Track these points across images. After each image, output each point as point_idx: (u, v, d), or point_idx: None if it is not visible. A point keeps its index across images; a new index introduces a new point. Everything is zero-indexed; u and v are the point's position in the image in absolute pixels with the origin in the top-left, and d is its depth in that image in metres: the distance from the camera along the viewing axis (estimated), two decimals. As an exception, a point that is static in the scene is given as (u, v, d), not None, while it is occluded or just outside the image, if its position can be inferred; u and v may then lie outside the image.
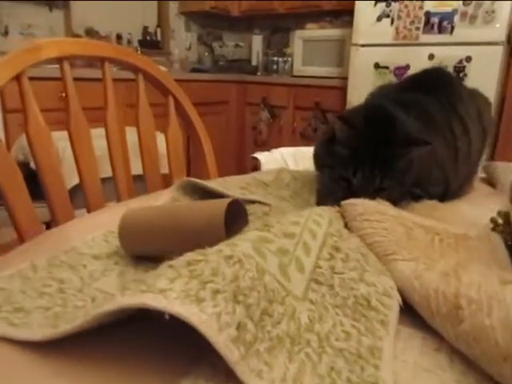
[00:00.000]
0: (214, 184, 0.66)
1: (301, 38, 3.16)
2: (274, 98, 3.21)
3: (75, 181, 1.48)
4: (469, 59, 2.27)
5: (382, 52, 2.55)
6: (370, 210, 0.48)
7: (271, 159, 1.30)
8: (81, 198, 0.89)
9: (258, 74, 3.63)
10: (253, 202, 0.64)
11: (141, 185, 1.02)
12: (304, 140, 3.00)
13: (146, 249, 0.50)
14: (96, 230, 0.56)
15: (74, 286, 0.43)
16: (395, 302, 0.38)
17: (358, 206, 0.49)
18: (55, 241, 0.54)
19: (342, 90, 2.78)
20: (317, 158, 0.70)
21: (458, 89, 0.76)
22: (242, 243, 0.36)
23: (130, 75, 0.94)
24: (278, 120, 3.22)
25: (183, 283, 0.29)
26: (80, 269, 0.46)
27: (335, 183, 0.62)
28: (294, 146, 1.38)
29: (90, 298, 0.41)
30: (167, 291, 0.28)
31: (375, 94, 0.78)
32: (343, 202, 0.52)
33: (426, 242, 0.44)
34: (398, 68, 2.52)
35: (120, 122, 0.89)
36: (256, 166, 1.27)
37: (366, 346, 0.33)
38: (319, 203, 0.67)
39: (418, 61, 2.41)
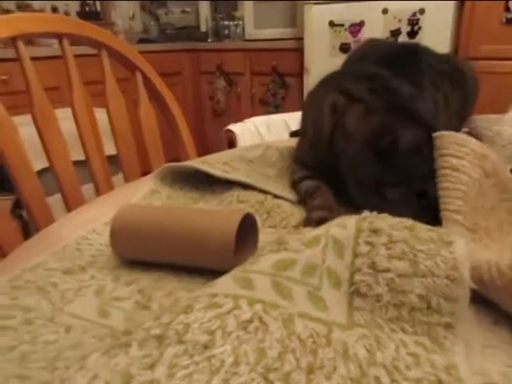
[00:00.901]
0: (195, 164, 0.62)
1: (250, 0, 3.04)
2: (228, 65, 3.11)
3: (37, 167, 1.39)
4: (422, 11, 2.26)
5: (336, 9, 2.50)
6: (448, 140, 0.43)
7: (246, 130, 1.25)
8: (48, 184, 0.83)
9: (209, 40, 3.49)
10: (244, 186, 0.59)
11: (115, 166, 0.95)
12: (263, 106, 2.94)
13: (140, 253, 0.44)
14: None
15: (44, 314, 0.35)
16: (463, 286, 0.31)
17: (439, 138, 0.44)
18: (48, 244, 0.48)
19: (299, 51, 2.71)
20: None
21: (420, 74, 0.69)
22: (259, 280, 0.30)
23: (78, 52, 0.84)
24: (235, 87, 3.13)
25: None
26: (49, 289, 0.39)
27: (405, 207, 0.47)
28: (253, 112, 1.34)
29: (64, 328, 0.34)
30: None
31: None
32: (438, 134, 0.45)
33: (492, 201, 0.41)
34: (353, 25, 2.48)
35: (87, 103, 0.81)
36: (231, 139, 1.22)
37: (441, 366, 0.28)
38: None
39: (372, 16, 2.38)
